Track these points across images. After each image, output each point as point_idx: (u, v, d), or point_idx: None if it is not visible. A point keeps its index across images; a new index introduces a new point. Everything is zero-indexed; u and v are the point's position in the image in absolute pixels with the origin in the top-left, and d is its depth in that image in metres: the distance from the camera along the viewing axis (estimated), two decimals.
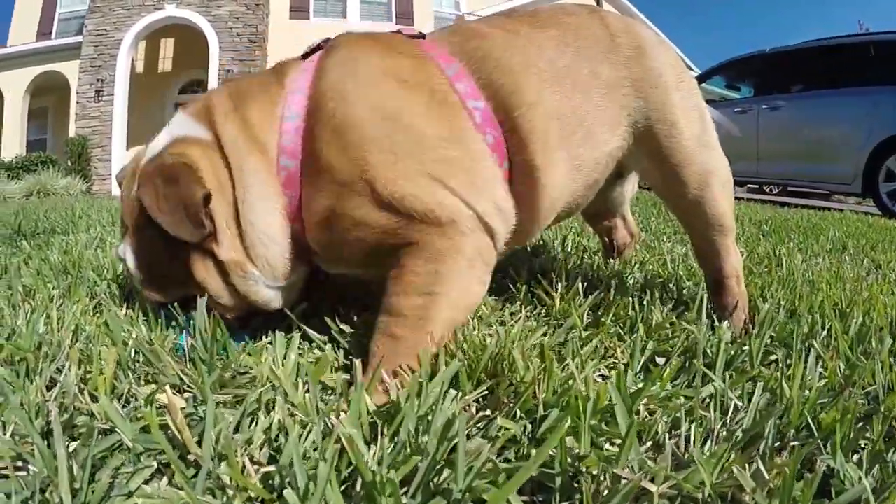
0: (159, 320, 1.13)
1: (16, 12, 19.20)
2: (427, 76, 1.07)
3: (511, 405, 0.81)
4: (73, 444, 0.74)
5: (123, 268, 1.15)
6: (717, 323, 1.21)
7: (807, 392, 0.88)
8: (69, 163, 15.39)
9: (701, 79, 9.61)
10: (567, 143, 1.15)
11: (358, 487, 0.62)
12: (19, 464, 0.69)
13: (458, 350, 0.97)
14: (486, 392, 0.87)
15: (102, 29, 16.36)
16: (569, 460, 0.66)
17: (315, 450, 0.71)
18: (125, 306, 1.28)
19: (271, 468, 0.67)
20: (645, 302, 1.29)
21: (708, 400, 0.87)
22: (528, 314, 1.23)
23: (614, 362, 1.07)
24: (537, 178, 1.11)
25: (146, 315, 1.16)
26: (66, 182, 13.04)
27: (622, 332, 1.20)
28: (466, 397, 0.83)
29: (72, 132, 16.24)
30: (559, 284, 1.33)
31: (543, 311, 1.32)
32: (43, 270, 1.89)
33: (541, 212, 1.16)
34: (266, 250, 1.05)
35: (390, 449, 0.66)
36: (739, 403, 0.86)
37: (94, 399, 0.85)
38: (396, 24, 18.94)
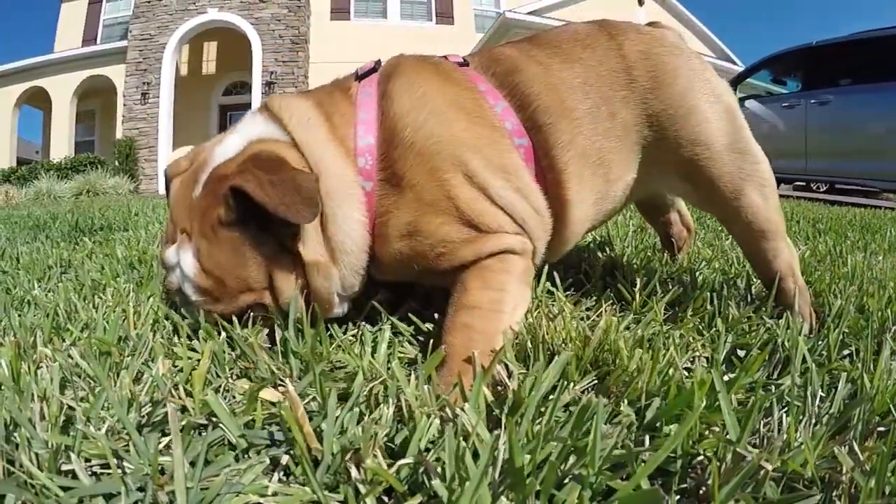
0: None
1: (61, 20, 19.76)
2: (484, 110, 1.16)
3: (619, 394, 0.85)
4: (165, 440, 0.74)
5: (172, 275, 1.10)
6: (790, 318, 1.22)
7: (888, 383, 0.92)
8: (117, 163, 15.78)
9: (746, 73, 9.46)
10: (592, 180, 1.23)
11: (496, 475, 0.62)
12: (114, 461, 0.68)
13: (563, 341, 1.01)
14: (595, 381, 0.92)
15: (147, 34, 16.74)
16: (690, 443, 0.70)
17: (433, 443, 0.72)
18: None
19: (408, 460, 0.67)
20: (721, 297, 1.31)
21: (794, 389, 0.90)
22: (608, 308, 1.27)
23: (695, 355, 1.10)
24: (567, 211, 1.21)
25: None
26: (114, 182, 13.33)
27: (700, 327, 1.22)
28: (576, 387, 0.87)
29: (119, 134, 16.70)
30: (637, 280, 1.36)
31: (619, 305, 1.36)
32: (108, 265, 1.91)
33: (566, 238, 1.26)
34: (349, 256, 1.10)
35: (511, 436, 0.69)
36: (822, 393, 0.90)
37: (188, 394, 0.85)
38: (437, 24, 19.01)
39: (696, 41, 20.57)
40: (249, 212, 0.99)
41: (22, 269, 2.05)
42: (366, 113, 1.13)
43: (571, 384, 0.86)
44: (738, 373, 0.86)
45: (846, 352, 1.14)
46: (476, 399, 0.77)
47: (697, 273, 1.62)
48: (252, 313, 1.08)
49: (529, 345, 1.01)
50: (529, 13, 15.91)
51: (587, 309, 1.33)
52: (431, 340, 1.07)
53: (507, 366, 0.92)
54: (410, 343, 1.16)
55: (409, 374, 0.96)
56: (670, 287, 1.35)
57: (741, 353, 1.10)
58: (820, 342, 1.11)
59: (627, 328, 1.13)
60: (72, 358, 0.96)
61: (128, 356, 1.00)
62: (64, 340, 1.12)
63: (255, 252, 1.03)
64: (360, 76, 1.24)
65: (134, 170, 15.89)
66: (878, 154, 6.91)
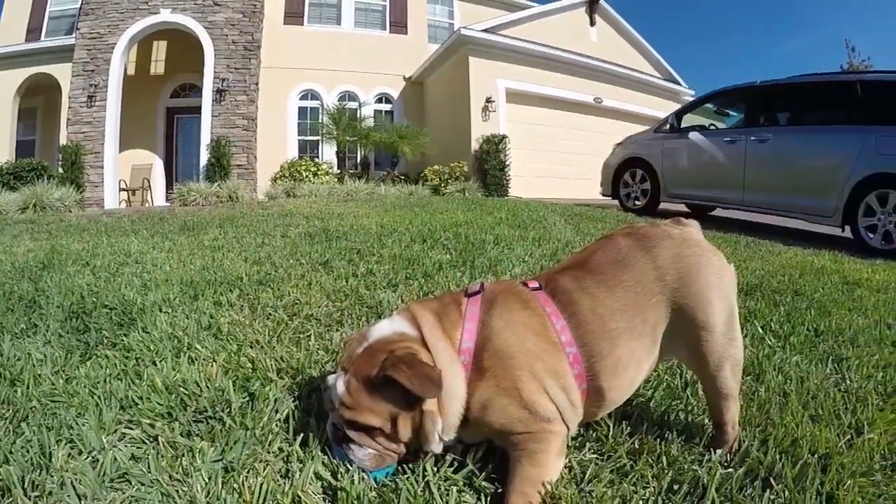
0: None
1: (5, 9, 18.87)
2: (547, 330, 1.59)
3: None
4: None
5: (329, 392, 1.55)
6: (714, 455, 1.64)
7: None
8: (61, 170, 15.27)
9: (693, 105, 9.88)
10: (624, 372, 1.62)
11: None
12: None
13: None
14: None
15: (96, 32, 16.17)
16: None
17: None
18: (285, 478, 1.50)
19: None
20: (667, 440, 1.74)
21: None
22: (590, 448, 1.72)
23: (645, 485, 1.53)
24: (602, 395, 1.61)
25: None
26: (60, 194, 12.75)
27: (651, 461, 1.63)
28: None
29: (63, 138, 16.06)
30: (611, 424, 1.81)
31: (594, 434, 1.79)
32: (158, 400, 1.86)
33: (603, 407, 1.66)
34: (453, 404, 1.51)
35: None
36: None
37: None
38: (391, 33, 19.12)
39: (643, 62, 21.05)
40: (389, 381, 1.43)
41: (62, 403, 1.87)
42: (470, 324, 1.60)
43: None
44: None
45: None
46: None
47: (651, 400, 2.02)
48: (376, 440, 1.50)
49: None
50: (484, 31, 16.07)
51: (575, 446, 1.73)
52: (489, 497, 1.47)
53: None
54: (465, 491, 1.50)
55: None
56: (633, 418, 1.87)
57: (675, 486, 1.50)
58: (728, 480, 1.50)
59: (611, 482, 1.54)
60: None
61: None
62: None
63: (385, 398, 1.48)
64: (468, 294, 1.70)
65: (79, 178, 15.34)
66: (810, 191, 7.49)
